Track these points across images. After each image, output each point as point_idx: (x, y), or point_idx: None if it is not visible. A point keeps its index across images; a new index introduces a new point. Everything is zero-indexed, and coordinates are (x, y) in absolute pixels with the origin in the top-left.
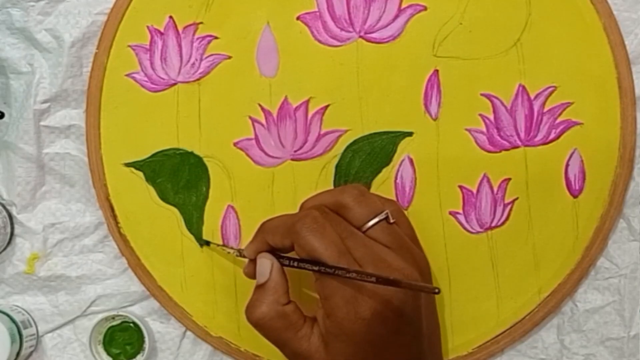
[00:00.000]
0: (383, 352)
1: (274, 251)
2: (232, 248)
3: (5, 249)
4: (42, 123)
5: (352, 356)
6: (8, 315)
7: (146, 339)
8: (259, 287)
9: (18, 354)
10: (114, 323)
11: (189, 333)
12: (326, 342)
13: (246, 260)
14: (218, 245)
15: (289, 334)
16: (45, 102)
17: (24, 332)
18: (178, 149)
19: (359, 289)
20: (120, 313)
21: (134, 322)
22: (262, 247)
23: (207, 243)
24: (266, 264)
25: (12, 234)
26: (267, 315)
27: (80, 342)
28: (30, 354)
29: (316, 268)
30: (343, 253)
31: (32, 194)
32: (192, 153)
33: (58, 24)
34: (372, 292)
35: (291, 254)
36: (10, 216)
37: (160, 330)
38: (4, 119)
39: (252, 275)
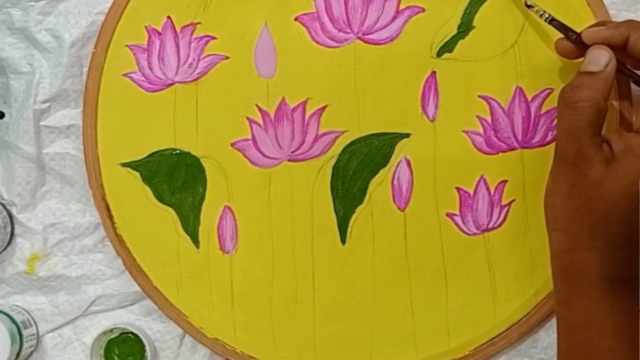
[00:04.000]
0: None
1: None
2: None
3: (5, 248)
4: (42, 123)
5: (635, 183)
6: (8, 315)
7: (147, 348)
8: (588, 74)
9: (18, 354)
10: (113, 336)
11: None
12: (617, 157)
13: None
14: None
15: (591, 130)
16: (45, 102)
17: (24, 332)
18: (175, 149)
19: None
20: (118, 325)
21: (132, 333)
22: (614, 39)
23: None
24: (604, 55)
25: (12, 233)
26: (590, 100)
27: (81, 342)
28: (31, 354)
29: None
30: None
31: (32, 194)
32: (189, 153)
33: (58, 23)
34: None
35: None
36: (11, 216)
37: (161, 329)
38: (4, 119)
39: (564, 51)
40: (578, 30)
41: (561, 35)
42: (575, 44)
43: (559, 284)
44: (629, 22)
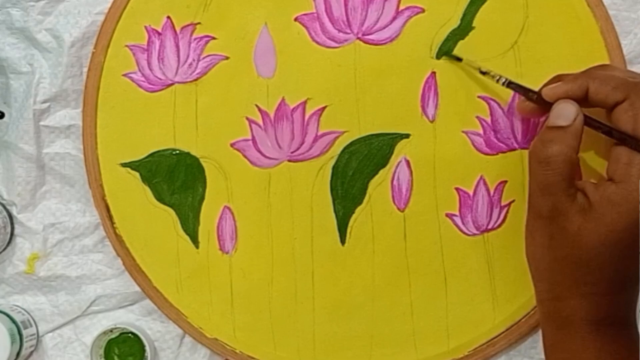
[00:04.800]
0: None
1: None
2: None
3: (5, 248)
4: (42, 123)
5: (618, 229)
6: (8, 315)
7: (147, 348)
8: (556, 129)
9: (18, 354)
10: (113, 336)
11: None
12: (593, 207)
13: None
14: (483, 70)
15: (564, 184)
16: (45, 102)
17: (24, 332)
18: (175, 150)
19: None
20: (118, 325)
21: (132, 333)
22: (574, 92)
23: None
24: (571, 109)
25: (12, 233)
26: (561, 155)
27: (81, 342)
28: (31, 354)
29: (626, 139)
30: None
31: (32, 194)
32: (188, 154)
33: (58, 23)
34: None
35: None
36: (10, 216)
37: (161, 329)
38: (4, 119)
39: (526, 112)
40: (536, 89)
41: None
42: (537, 103)
43: (546, 329)
44: (586, 72)
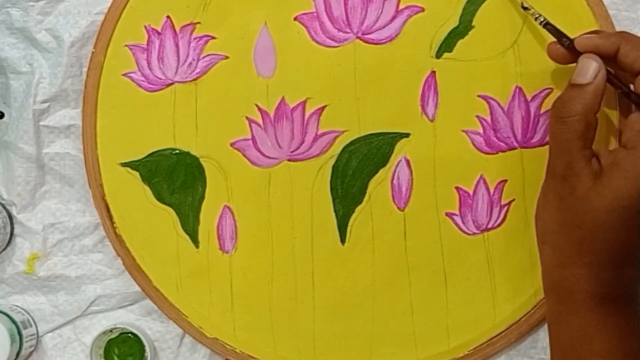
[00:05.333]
0: None
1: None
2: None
3: (5, 248)
4: (41, 123)
5: (624, 196)
6: (8, 315)
7: (147, 348)
8: (576, 87)
9: (18, 354)
10: (113, 336)
11: None
12: (604, 172)
13: None
14: (525, 5)
15: (580, 143)
16: (45, 102)
17: (24, 332)
18: (174, 149)
19: None
20: (118, 326)
21: (132, 333)
22: (605, 47)
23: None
24: (593, 66)
25: (12, 234)
26: (578, 115)
27: (80, 342)
28: (30, 354)
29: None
30: None
31: (32, 194)
32: (188, 153)
33: (58, 23)
34: None
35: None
36: (10, 216)
37: (161, 329)
38: (4, 119)
39: (555, 56)
40: (572, 37)
41: (554, 39)
42: (567, 50)
43: (550, 300)
44: (621, 33)
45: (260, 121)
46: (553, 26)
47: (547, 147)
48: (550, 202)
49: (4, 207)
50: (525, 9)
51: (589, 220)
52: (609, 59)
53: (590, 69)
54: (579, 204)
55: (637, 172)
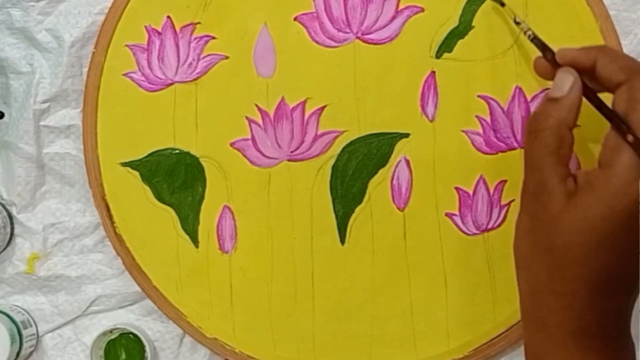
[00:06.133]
0: (622, 233)
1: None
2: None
3: (5, 248)
4: (42, 123)
5: (595, 216)
6: (8, 315)
7: (147, 348)
8: (551, 101)
9: (18, 354)
10: (113, 337)
11: None
12: (576, 191)
13: None
14: (517, 20)
15: (553, 159)
16: (45, 102)
17: (24, 332)
18: (174, 149)
19: None
20: (118, 326)
21: (132, 333)
22: (582, 60)
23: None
24: (568, 79)
25: (12, 234)
26: (551, 129)
27: (81, 342)
28: (30, 354)
29: (616, 121)
30: None
31: (32, 194)
32: (188, 153)
33: (58, 24)
34: None
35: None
36: (10, 216)
37: (161, 329)
38: (4, 119)
39: (540, 71)
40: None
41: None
42: (550, 63)
43: (526, 332)
44: (599, 47)
45: (260, 121)
46: (540, 40)
47: None
48: (524, 221)
49: (4, 207)
50: (517, 23)
51: (560, 243)
52: (589, 73)
53: (565, 82)
54: (550, 225)
55: (610, 191)
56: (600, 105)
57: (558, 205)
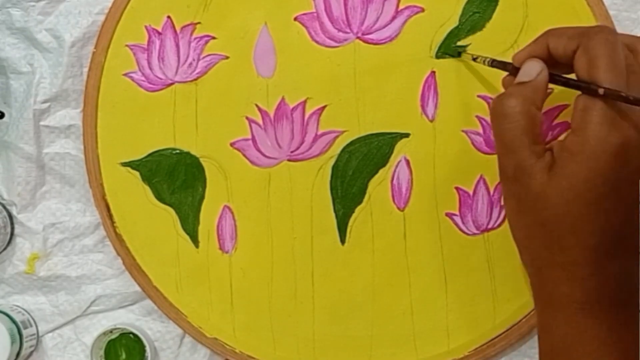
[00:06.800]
0: (609, 190)
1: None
2: (487, 57)
3: (5, 248)
4: (42, 123)
5: (578, 181)
6: (8, 315)
7: (147, 348)
8: (518, 84)
9: (18, 354)
10: (113, 337)
11: None
12: (554, 163)
13: None
14: (474, 57)
15: (526, 139)
16: (45, 102)
17: (24, 332)
18: (175, 149)
19: (622, 115)
20: (118, 326)
21: (132, 333)
22: (537, 52)
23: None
24: (535, 66)
25: (12, 234)
26: (518, 108)
27: (81, 342)
28: (31, 354)
29: (584, 86)
30: (622, 76)
31: (32, 194)
32: (188, 153)
33: (58, 23)
34: (635, 124)
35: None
36: (10, 216)
37: (161, 329)
38: (4, 119)
39: (509, 86)
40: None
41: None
42: (513, 74)
43: (537, 308)
44: (546, 32)
45: (260, 121)
46: (498, 61)
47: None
48: (511, 206)
49: (4, 207)
50: (474, 59)
51: (551, 216)
52: (547, 62)
53: (532, 68)
54: (537, 202)
55: (587, 153)
56: (566, 81)
57: (541, 181)
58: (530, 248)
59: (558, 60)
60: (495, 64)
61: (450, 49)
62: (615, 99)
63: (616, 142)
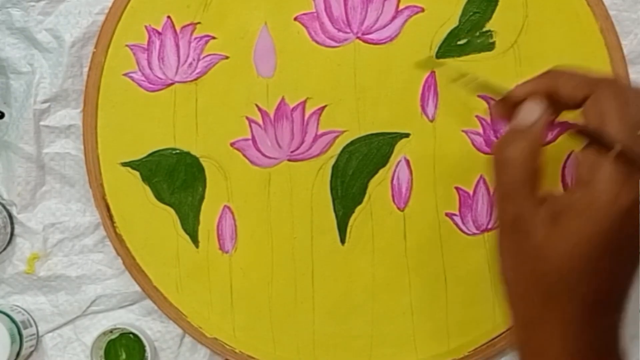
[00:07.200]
0: (614, 248)
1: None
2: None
3: (5, 248)
4: (42, 123)
5: (584, 238)
6: (8, 315)
7: (147, 348)
8: (516, 131)
9: (18, 354)
10: (113, 337)
11: None
12: (558, 216)
13: None
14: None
15: (526, 189)
16: (45, 102)
17: (24, 332)
18: (175, 149)
19: (632, 172)
20: (118, 326)
21: (132, 333)
22: (538, 89)
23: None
24: (536, 108)
25: (12, 234)
26: (520, 157)
27: (81, 342)
28: (31, 354)
29: (598, 138)
30: (634, 132)
31: (32, 194)
32: (188, 153)
33: (58, 23)
34: None
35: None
36: (10, 216)
37: (161, 329)
38: (4, 119)
39: (499, 115)
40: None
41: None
42: (507, 103)
43: (523, 358)
44: (550, 70)
45: (260, 121)
46: (490, 86)
47: (547, 147)
48: (507, 248)
49: (4, 207)
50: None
51: (551, 270)
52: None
53: (531, 111)
54: (537, 254)
55: (596, 210)
56: (579, 128)
57: (542, 233)
58: (525, 301)
59: (565, 103)
60: (486, 90)
61: (451, 48)
62: (628, 157)
63: (627, 201)
